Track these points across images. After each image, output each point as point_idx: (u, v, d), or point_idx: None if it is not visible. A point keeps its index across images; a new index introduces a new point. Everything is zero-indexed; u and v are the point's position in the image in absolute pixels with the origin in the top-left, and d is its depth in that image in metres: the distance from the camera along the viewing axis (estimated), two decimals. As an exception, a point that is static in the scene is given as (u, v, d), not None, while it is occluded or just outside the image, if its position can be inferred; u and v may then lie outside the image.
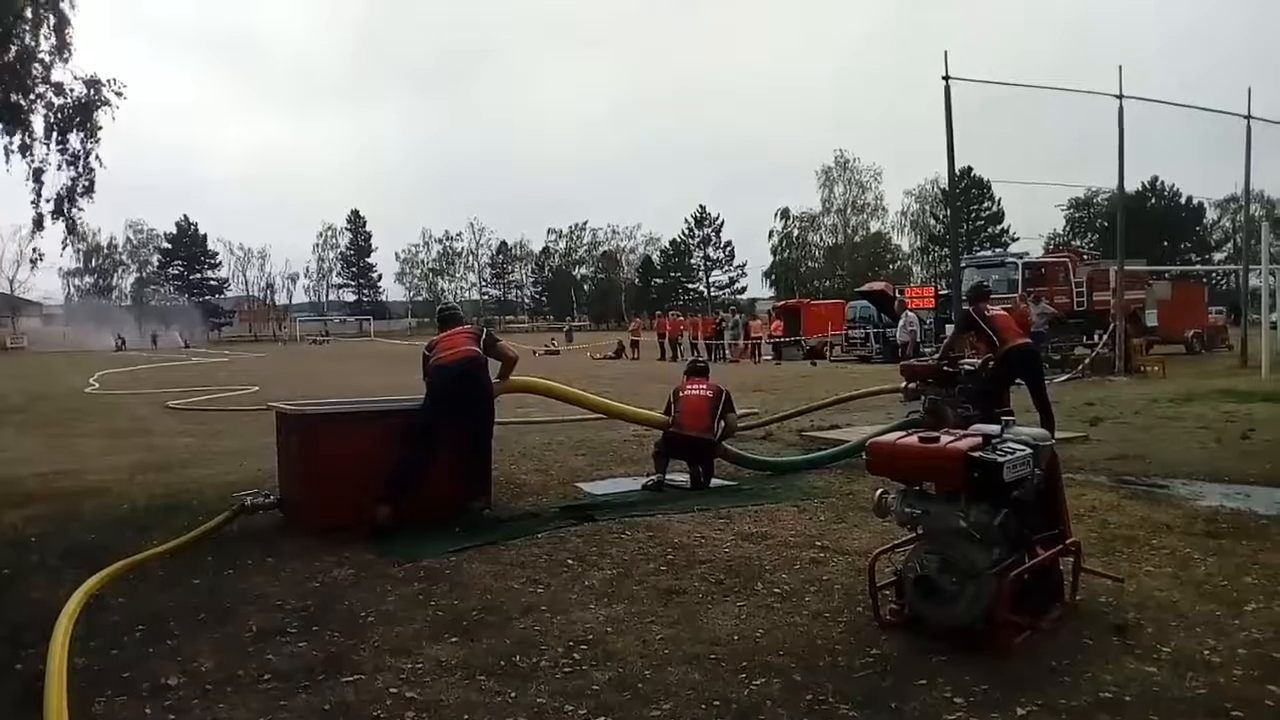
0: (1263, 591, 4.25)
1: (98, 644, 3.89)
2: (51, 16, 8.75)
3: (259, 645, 3.86)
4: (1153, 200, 73.43)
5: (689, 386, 7.55)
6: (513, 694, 3.30)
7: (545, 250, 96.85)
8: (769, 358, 29.90)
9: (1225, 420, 10.48)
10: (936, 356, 9.71)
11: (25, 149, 8.78)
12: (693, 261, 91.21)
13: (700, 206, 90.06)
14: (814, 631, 3.88)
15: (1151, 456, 8.12)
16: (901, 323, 24.62)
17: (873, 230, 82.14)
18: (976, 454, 3.65)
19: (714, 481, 7.26)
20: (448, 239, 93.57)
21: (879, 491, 4.01)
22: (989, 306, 9.13)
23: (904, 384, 9.12)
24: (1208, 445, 8.84)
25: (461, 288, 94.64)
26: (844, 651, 3.63)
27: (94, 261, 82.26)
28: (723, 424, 7.40)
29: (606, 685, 3.36)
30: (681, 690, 3.30)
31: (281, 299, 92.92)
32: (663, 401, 7.77)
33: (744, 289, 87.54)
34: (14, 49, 8.61)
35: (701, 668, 3.51)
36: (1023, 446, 3.79)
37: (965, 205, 70.76)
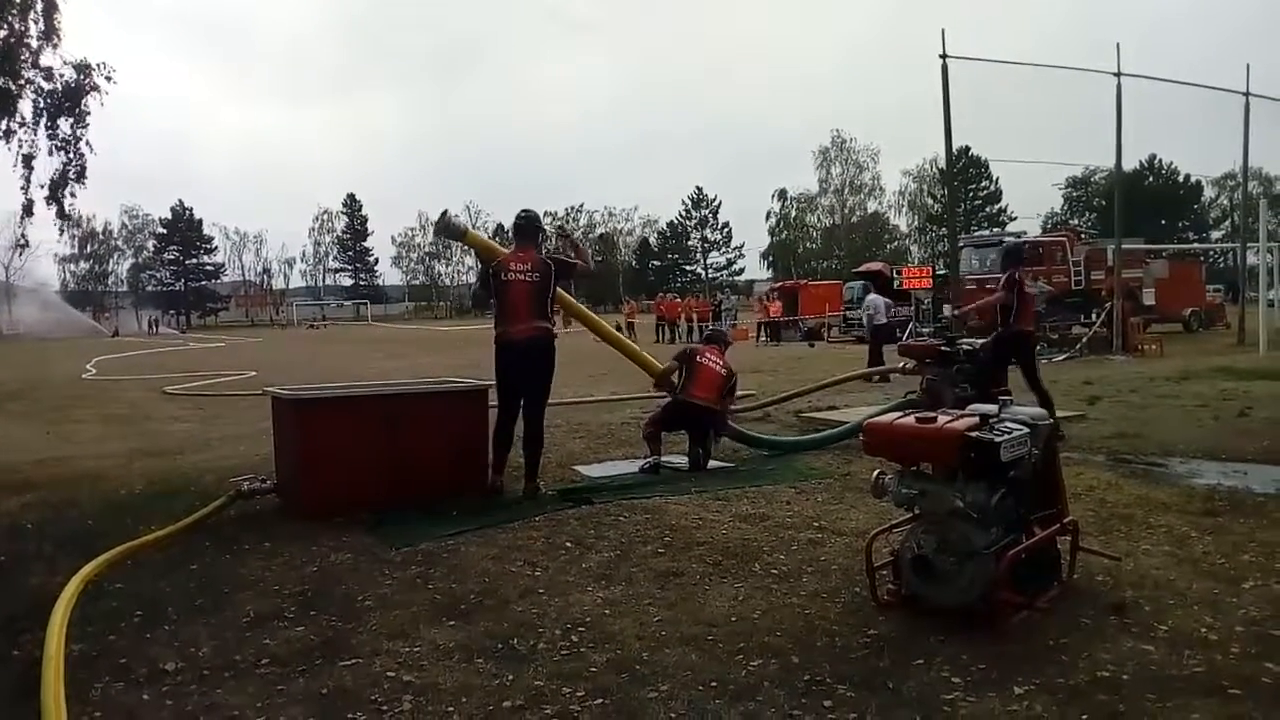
0: (1260, 569, 4.25)
1: (95, 630, 3.89)
2: (40, 1, 8.64)
3: (256, 630, 3.86)
4: (1150, 178, 73.19)
5: (707, 355, 7.48)
6: (510, 676, 3.30)
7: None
8: (764, 339, 29.99)
9: (1223, 398, 10.48)
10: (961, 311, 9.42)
11: (8, 134, 8.69)
12: (690, 243, 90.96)
13: (697, 188, 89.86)
14: (811, 612, 3.87)
15: (1149, 435, 8.13)
16: (864, 305, 20.74)
17: (870, 211, 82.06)
18: (973, 434, 3.64)
19: (711, 463, 7.26)
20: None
21: (876, 472, 4.00)
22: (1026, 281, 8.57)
23: (901, 364, 9.11)
24: (1205, 423, 8.84)
25: (459, 271, 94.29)
26: (841, 632, 3.63)
27: (89, 247, 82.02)
28: (726, 402, 7.51)
29: (604, 667, 3.36)
30: (679, 671, 3.30)
31: (278, 283, 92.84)
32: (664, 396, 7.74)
33: (742, 270, 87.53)
34: (2, 33, 8.51)
35: (699, 649, 3.50)
36: (1020, 426, 3.78)
37: (963, 185, 70.63)
